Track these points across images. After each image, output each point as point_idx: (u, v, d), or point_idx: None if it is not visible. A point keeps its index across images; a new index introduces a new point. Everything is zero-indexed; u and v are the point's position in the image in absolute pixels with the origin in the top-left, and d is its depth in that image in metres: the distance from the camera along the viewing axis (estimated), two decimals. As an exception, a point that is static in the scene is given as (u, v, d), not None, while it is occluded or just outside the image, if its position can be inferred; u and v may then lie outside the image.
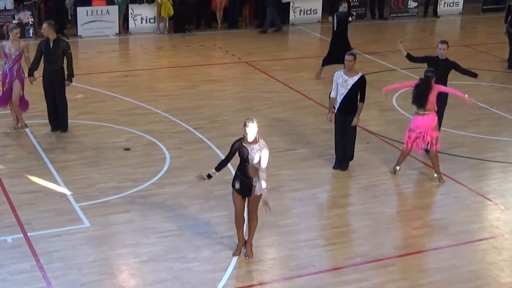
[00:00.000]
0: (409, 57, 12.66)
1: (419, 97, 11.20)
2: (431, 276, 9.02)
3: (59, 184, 11.00)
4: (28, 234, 9.51)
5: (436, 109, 11.34)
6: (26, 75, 12.80)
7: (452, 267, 9.20)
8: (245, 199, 8.96)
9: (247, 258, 9.06)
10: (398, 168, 11.74)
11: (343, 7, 16.43)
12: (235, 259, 9.03)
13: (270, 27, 21.45)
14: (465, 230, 10.15)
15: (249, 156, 8.61)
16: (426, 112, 11.22)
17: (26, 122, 13.08)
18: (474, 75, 12.48)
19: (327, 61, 16.55)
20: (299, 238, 9.79)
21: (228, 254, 9.16)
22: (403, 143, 12.71)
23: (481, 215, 10.74)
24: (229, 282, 8.66)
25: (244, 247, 9.17)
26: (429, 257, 9.52)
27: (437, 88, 11.22)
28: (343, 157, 11.78)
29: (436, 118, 11.39)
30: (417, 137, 11.35)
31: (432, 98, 11.16)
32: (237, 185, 8.85)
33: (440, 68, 11.76)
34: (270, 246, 9.59)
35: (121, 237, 9.63)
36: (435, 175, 11.55)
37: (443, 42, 12.28)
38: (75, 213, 10.16)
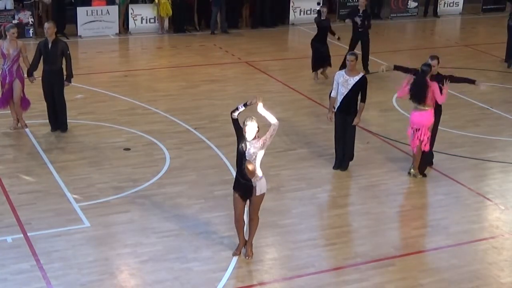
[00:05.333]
0: (398, 68, 11.98)
1: (417, 93, 11.14)
2: (431, 276, 9.02)
3: (59, 184, 11.00)
4: (28, 234, 9.51)
5: (435, 106, 11.25)
6: (25, 75, 12.80)
7: (452, 267, 9.20)
8: (246, 201, 8.92)
9: (247, 258, 9.06)
10: (414, 172, 11.62)
11: (322, 12, 16.41)
12: (235, 259, 9.03)
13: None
14: (465, 230, 10.15)
15: (247, 152, 8.57)
16: (425, 108, 11.18)
17: (26, 122, 13.08)
18: (471, 81, 11.89)
19: (315, 66, 16.63)
20: (299, 238, 9.79)
21: (228, 254, 9.16)
22: (403, 143, 12.74)
23: (481, 215, 10.74)
24: (229, 282, 8.66)
25: (244, 247, 9.16)
26: (429, 257, 9.52)
27: (433, 86, 11.11)
28: (343, 157, 11.78)
29: (433, 116, 11.30)
30: (414, 134, 11.33)
31: (431, 93, 11.09)
32: (238, 189, 8.77)
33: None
34: (270, 246, 9.59)
35: (121, 237, 9.63)
36: (413, 170, 11.57)
37: (433, 57, 11.46)
38: (75, 213, 10.16)
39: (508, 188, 11.59)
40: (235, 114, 8.64)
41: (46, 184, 11.01)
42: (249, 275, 8.82)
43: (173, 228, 9.85)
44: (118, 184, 11.10)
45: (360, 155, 12.22)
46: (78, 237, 9.53)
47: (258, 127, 8.56)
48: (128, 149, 12.46)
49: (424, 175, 11.66)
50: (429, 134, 11.33)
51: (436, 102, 11.27)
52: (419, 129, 11.27)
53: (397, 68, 12.08)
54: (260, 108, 8.56)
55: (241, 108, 8.64)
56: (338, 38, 16.66)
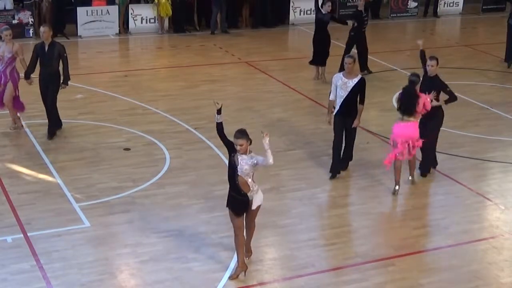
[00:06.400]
0: (422, 53, 11.85)
1: (407, 104, 10.75)
2: (431, 276, 9.02)
3: (59, 184, 11.00)
4: (28, 234, 9.51)
5: (420, 117, 10.89)
6: (23, 77, 12.65)
7: (452, 267, 9.20)
8: (243, 216, 8.58)
9: (246, 258, 9.02)
10: (397, 188, 11.10)
11: (327, 6, 16.44)
12: (235, 259, 8.98)
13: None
14: (465, 230, 10.15)
15: (238, 166, 8.25)
16: (411, 119, 10.80)
17: (25, 122, 13.08)
18: (453, 100, 11.47)
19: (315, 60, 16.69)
20: (299, 238, 9.79)
21: (228, 254, 9.15)
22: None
23: (481, 215, 10.74)
24: (229, 282, 8.66)
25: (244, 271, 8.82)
26: (429, 257, 9.52)
27: (424, 98, 10.76)
28: (338, 166, 11.65)
29: (418, 128, 10.87)
30: (403, 147, 10.84)
31: (421, 105, 10.72)
32: (233, 206, 8.48)
33: (425, 87, 11.12)
34: (270, 246, 9.59)
35: (121, 237, 9.63)
36: (410, 177, 11.34)
37: (431, 58, 11.31)
38: (75, 213, 10.16)
39: (508, 188, 11.59)
40: (218, 121, 8.33)
41: (46, 184, 11.01)
42: (249, 275, 8.81)
43: (173, 228, 9.85)
44: (118, 184, 11.10)
45: (360, 155, 12.22)
46: (78, 237, 9.54)
47: (249, 140, 8.22)
48: (128, 149, 12.47)
49: (424, 175, 11.65)
50: (420, 143, 10.90)
51: (436, 107, 11.15)
52: (408, 143, 10.82)
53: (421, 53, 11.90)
54: (265, 142, 8.18)
55: (219, 118, 8.34)
56: (353, 24, 16.72)
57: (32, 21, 19.87)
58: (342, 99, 11.27)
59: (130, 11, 20.89)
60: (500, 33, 19.94)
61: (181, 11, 21.05)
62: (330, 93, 11.51)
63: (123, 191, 10.85)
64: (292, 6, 22.78)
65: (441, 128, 11.96)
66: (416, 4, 24.55)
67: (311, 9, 22.84)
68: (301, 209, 10.61)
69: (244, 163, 8.26)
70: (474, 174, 12.07)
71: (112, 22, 20.65)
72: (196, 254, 9.22)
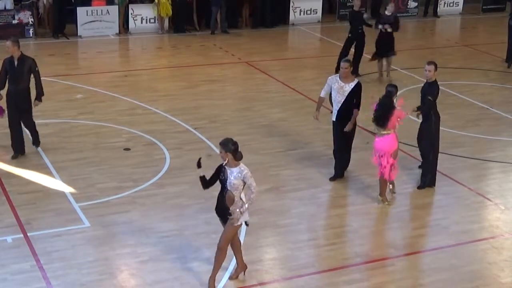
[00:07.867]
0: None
1: (382, 115, 10.43)
2: (431, 276, 9.02)
3: (59, 184, 11.00)
4: (28, 234, 9.51)
5: (396, 129, 10.57)
6: None
7: (452, 267, 9.20)
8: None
9: (242, 273, 8.74)
10: (380, 198, 10.88)
11: (391, 7, 17.28)
12: (235, 259, 8.98)
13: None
14: (465, 230, 10.15)
15: (228, 182, 8.17)
16: (385, 132, 10.52)
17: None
18: (424, 110, 11.16)
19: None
20: (299, 238, 9.79)
21: (228, 254, 9.13)
22: (402, 143, 12.71)
23: (481, 215, 10.74)
24: (229, 282, 8.66)
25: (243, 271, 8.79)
26: (429, 257, 9.52)
27: (399, 112, 10.46)
28: (341, 169, 11.61)
29: (396, 141, 10.61)
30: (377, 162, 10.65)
31: (394, 118, 10.41)
32: (217, 212, 8.49)
33: (424, 93, 10.98)
34: (270, 246, 9.59)
35: (121, 237, 9.63)
36: (379, 197, 10.86)
37: (429, 63, 10.88)
38: (75, 213, 10.16)
39: (508, 188, 11.59)
40: (200, 176, 8.38)
41: (46, 184, 11.01)
42: (249, 275, 8.82)
43: (173, 228, 9.85)
44: (118, 184, 11.10)
45: (360, 155, 12.21)
46: (78, 237, 9.54)
47: (228, 151, 8.10)
48: (128, 149, 12.47)
49: (419, 188, 11.38)
50: (392, 161, 10.63)
51: (433, 111, 10.97)
52: (380, 155, 10.62)
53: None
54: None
55: (200, 172, 8.36)
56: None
57: (32, 21, 19.87)
58: (340, 104, 11.16)
59: (130, 11, 20.90)
60: (500, 33, 19.95)
61: (181, 11, 21.06)
62: (322, 90, 11.43)
63: (123, 191, 10.85)
64: (292, 6, 22.79)
65: (441, 128, 11.94)
66: (416, 4, 24.58)
67: (311, 9, 22.94)
68: (301, 209, 10.60)
69: (232, 176, 8.15)
70: (474, 174, 12.07)
71: (112, 22, 20.66)
72: (196, 254, 9.22)
